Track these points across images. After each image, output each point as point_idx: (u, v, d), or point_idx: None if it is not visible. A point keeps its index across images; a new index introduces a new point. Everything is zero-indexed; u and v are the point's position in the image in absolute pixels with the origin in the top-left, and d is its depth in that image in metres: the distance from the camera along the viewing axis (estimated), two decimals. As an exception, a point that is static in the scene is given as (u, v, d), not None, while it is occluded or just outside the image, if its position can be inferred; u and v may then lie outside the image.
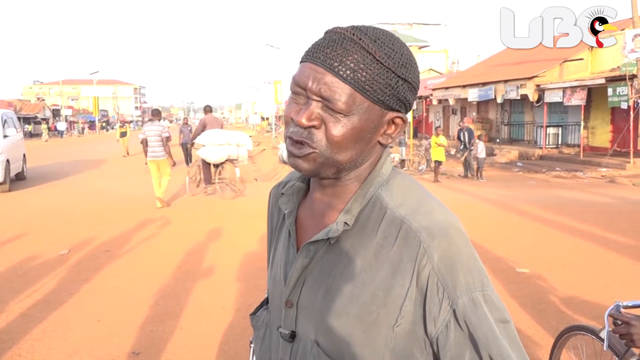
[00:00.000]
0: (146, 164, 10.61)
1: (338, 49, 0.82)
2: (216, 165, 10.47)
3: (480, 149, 15.00)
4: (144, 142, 9.66)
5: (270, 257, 1.08)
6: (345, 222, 0.87)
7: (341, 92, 0.81)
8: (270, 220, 1.11)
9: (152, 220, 8.22)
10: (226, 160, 10.40)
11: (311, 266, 0.91)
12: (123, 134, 24.62)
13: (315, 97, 0.83)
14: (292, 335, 0.92)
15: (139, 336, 3.92)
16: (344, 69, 0.81)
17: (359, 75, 0.81)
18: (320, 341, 0.88)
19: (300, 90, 0.85)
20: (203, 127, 11.13)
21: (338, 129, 0.83)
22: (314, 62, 0.84)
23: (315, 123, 0.83)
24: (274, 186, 1.11)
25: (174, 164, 10.76)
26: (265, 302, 1.08)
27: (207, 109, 11.90)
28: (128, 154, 23.32)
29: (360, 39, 0.82)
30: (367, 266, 0.85)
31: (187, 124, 19.58)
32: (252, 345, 2.27)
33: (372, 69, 0.82)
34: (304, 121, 0.83)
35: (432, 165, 15.21)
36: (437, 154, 14.53)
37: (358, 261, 0.86)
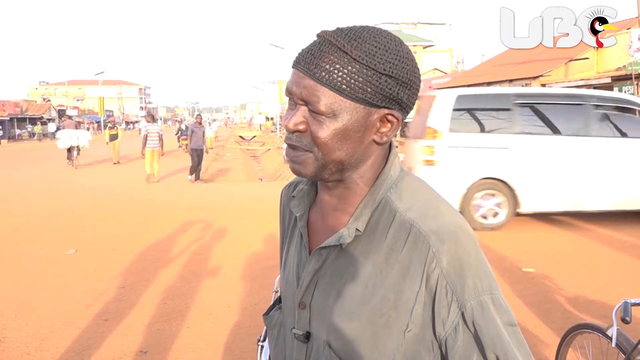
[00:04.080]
0: (143, 154, 14.06)
1: (316, 52, 0.83)
2: (75, 149, 18.06)
3: None
4: (145, 137, 13.90)
5: (282, 257, 1.09)
6: (357, 229, 0.88)
7: (320, 94, 0.82)
8: (282, 220, 1.12)
9: (157, 220, 8.26)
10: (71, 146, 18.03)
11: (323, 269, 0.92)
12: (113, 137, 19.67)
13: (300, 102, 0.85)
14: (307, 336, 0.94)
15: (146, 335, 3.95)
16: (319, 71, 0.82)
17: (334, 75, 0.81)
18: (332, 343, 0.89)
19: (290, 96, 0.87)
20: (63, 127, 21.02)
21: (322, 131, 0.84)
22: (297, 67, 0.85)
23: (300, 127, 0.85)
24: (285, 186, 1.12)
25: (163, 154, 14.62)
26: (278, 301, 1.09)
27: (67, 117, 22.44)
28: (119, 162, 19.24)
29: (337, 40, 0.82)
30: (378, 269, 0.86)
31: (200, 123, 14.79)
32: (259, 343, 2.29)
33: (348, 68, 0.82)
34: (290, 126, 0.85)
35: None
36: None
37: (369, 264, 0.87)
